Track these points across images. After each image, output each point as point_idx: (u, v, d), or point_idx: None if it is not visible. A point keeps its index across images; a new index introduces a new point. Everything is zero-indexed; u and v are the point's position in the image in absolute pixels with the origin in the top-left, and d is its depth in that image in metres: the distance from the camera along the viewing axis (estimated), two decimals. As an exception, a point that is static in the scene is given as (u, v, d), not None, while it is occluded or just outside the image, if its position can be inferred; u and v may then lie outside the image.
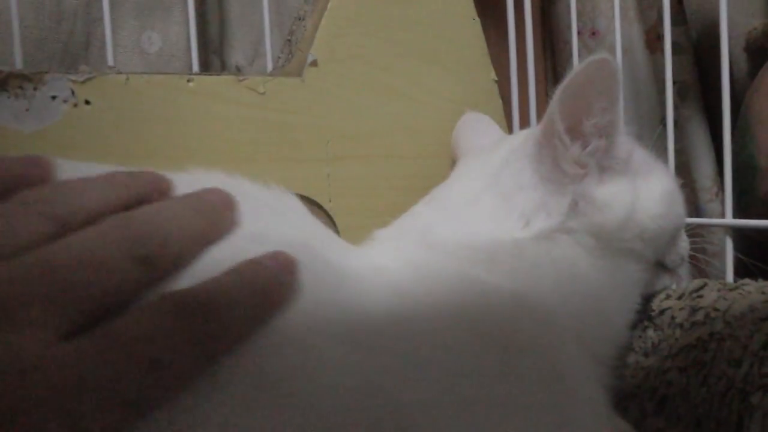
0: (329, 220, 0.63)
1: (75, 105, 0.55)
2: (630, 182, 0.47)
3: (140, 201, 0.30)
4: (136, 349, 0.23)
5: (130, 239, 0.26)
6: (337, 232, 0.63)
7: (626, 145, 0.48)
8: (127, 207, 0.29)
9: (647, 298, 0.52)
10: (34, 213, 0.25)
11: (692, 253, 0.54)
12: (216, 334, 0.26)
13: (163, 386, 0.24)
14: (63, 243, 0.24)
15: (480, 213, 0.47)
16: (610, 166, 0.47)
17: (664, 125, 0.70)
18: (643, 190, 0.48)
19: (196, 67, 0.69)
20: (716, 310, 0.48)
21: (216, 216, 0.31)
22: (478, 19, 0.73)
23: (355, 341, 0.32)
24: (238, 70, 0.88)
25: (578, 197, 0.46)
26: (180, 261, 0.28)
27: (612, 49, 0.75)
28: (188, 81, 0.58)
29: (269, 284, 0.29)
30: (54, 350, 0.21)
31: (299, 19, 0.65)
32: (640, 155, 0.50)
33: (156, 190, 0.31)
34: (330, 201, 0.63)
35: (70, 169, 0.37)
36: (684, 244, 0.53)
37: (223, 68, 0.89)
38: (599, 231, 0.46)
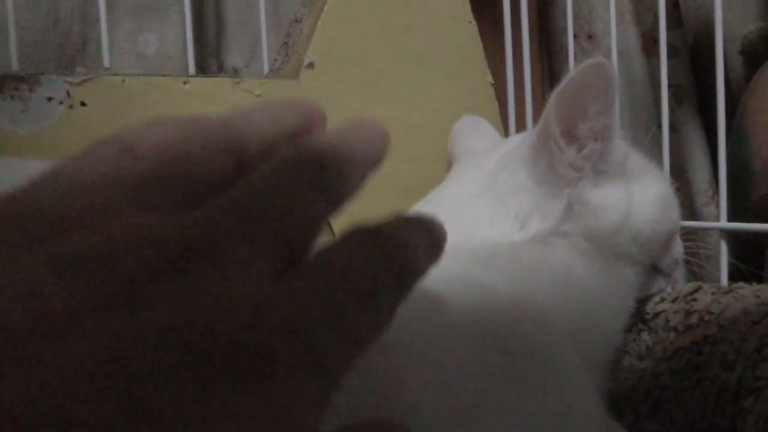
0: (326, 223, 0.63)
1: (71, 106, 0.55)
2: (625, 186, 0.48)
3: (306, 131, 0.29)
4: (349, 283, 0.22)
5: (312, 173, 0.24)
6: (333, 235, 0.63)
7: (621, 148, 0.49)
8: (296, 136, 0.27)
9: (642, 301, 0.52)
10: (215, 150, 0.24)
11: (687, 257, 0.54)
12: (408, 267, 0.25)
13: (378, 319, 0.23)
14: (250, 182, 0.23)
15: (476, 216, 0.47)
16: (606, 169, 0.48)
17: (660, 128, 0.70)
18: (638, 194, 0.48)
19: (192, 69, 0.69)
20: (710, 313, 0.48)
21: (379, 145, 0.29)
22: (474, 22, 0.73)
23: None
24: (235, 72, 0.88)
25: (573, 200, 0.46)
26: (355, 189, 0.27)
27: (608, 53, 0.75)
28: (184, 83, 0.58)
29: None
30: (270, 287, 0.21)
31: (296, 22, 0.65)
32: (635, 159, 0.50)
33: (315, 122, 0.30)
34: (326, 203, 0.63)
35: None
36: (678, 247, 0.53)
37: (220, 70, 0.89)
38: (594, 234, 0.46)
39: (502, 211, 0.47)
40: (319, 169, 0.24)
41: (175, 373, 0.17)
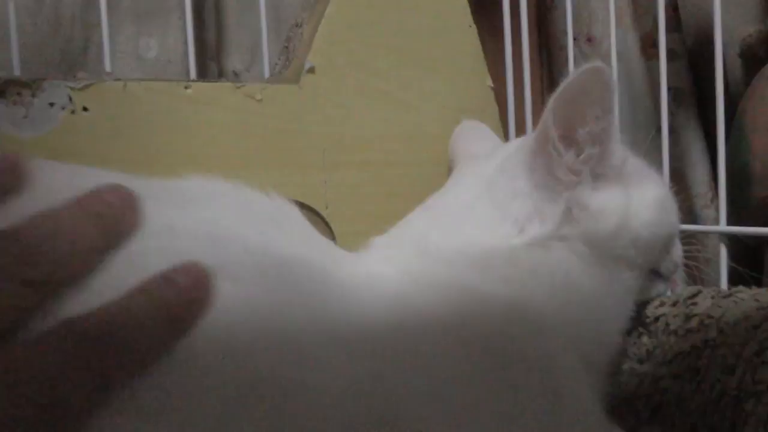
0: (326, 226, 0.63)
1: (73, 111, 0.55)
2: (623, 190, 0.48)
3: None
4: (33, 386, 0.23)
5: (17, 262, 0.25)
6: (333, 238, 0.64)
7: (620, 153, 0.49)
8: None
9: (642, 305, 0.52)
10: None
11: (686, 261, 0.54)
12: (118, 363, 0.25)
13: (63, 420, 0.23)
14: None
15: (475, 220, 0.47)
16: (604, 173, 0.48)
17: (659, 131, 0.70)
18: (636, 198, 0.48)
19: (193, 74, 0.69)
20: (710, 317, 0.48)
21: (113, 220, 0.29)
22: (474, 26, 0.73)
23: (351, 350, 0.33)
24: (236, 76, 0.89)
25: (572, 204, 0.46)
26: (75, 277, 0.27)
27: (607, 55, 0.75)
28: (186, 88, 0.58)
29: (178, 303, 0.28)
30: None
31: (296, 26, 0.65)
32: (634, 163, 0.50)
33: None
34: (327, 208, 0.63)
35: (67, 171, 0.37)
36: (678, 251, 0.53)
37: (220, 74, 0.89)
38: (593, 238, 0.46)
39: (501, 216, 0.47)
40: (24, 259, 0.25)
41: None
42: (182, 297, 0.28)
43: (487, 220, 0.47)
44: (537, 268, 0.45)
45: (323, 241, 0.43)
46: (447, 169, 0.66)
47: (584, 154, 0.47)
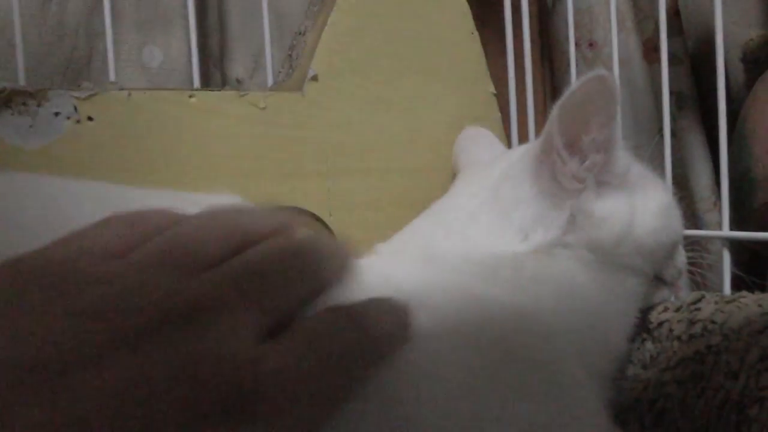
0: (330, 233, 0.63)
1: (78, 121, 0.55)
2: (627, 197, 0.48)
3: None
4: (326, 352, 0.25)
5: (294, 260, 0.28)
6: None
7: (624, 160, 0.49)
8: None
9: (645, 311, 0.52)
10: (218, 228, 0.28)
11: (689, 267, 0.55)
12: (375, 344, 0.28)
13: (345, 382, 0.26)
14: (247, 255, 0.26)
15: (479, 227, 0.48)
16: (608, 181, 0.48)
17: (662, 135, 0.71)
18: (640, 205, 0.48)
19: (197, 83, 0.69)
20: (713, 322, 0.48)
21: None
22: (476, 33, 0.74)
23: None
24: (239, 83, 0.89)
25: (576, 211, 0.47)
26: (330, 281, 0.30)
27: (609, 60, 0.75)
28: (190, 96, 0.59)
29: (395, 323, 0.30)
30: (259, 349, 0.24)
31: (300, 34, 0.66)
32: (637, 170, 0.51)
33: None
34: (330, 215, 0.63)
35: (68, 187, 0.38)
36: (682, 257, 0.53)
37: (224, 81, 0.89)
38: (597, 245, 0.47)
39: (505, 223, 0.47)
40: (301, 259, 0.28)
41: (176, 411, 0.21)
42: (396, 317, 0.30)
43: (491, 227, 0.47)
44: (541, 274, 0.45)
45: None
46: (450, 175, 0.66)
47: (588, 162, 0.47)
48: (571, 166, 0.47)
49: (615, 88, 0.45)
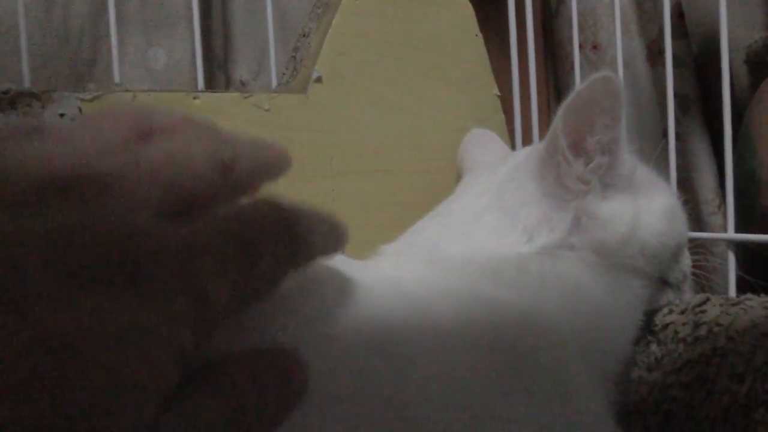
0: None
1: (82, 123, 0.55)
2: (632, 199, 0.48)
3: None
4: (241, 239, 0.25)
5: (211, 148, 0.27)
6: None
7: (629, 162, 0.49)
8: None
9: (650, 313, 0.52)
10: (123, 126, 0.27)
11: (694, 269, 0.54)
12: (299, 248, 0.28)
13: (260, 279, 0.26)
14: (154, 146, 0.26)
15: (484, 228, 0.48)
16: (613, 182, 0.48)
17: (666, 138, 0.70)
18: (645, 207, 0.48)
19: (201, 84, 0.70)
20: (719, 325, 0.48)
21: (277, 157, 0.33)
22: (480, 35, 0.74)
23: (376, 349, 0.33)
24: (243, 85, 0.89)
25: (581, 213, 0.46)
26: (249, 184, 0.30)
27: (613, 63, 0.75)
28: (194, 98, 0.59)
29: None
30: (162, 227, 0.23)
31: (304, 36, 0.66)
32: (642, 172, 0.51)
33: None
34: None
35: None
36: (687, 260, 0.53)
37: (228, 83, 0.89)
38: (602, 247, 0.46)
39: (510, 224, 0.47)
40: (217, 148, 0.27)
41: (54, 268, 0.21)
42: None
43: (496, 228, 0.47)
44: (546, 276, 0.45)
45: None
46: (455, 177, 0.66)
47: (593, 163, 0.47)
48: (576, 168, 0.46)
49: (620, 89, 0.45)
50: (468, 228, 0.48)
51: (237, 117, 0.60)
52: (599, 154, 0.47)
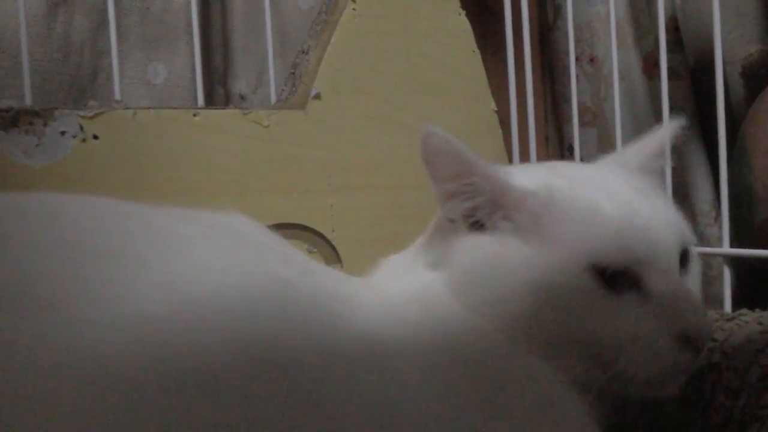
0: (332, 250, 0.64)
1: (84, 140, 0.56)
2: (497, 240, 0.46)
3: None
4: None
5: None
6: (339, 261, 0.64)
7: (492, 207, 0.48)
8: None
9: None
10: None
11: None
12: None
13: None
14: None
15: (420, 260, 0.50)
16: (484, 221, 0.47)
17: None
18: (509, 250, 0.46)
19: (201, 99, 0.70)
20: (714, 340, 0.49)
21: None
22: (478, 52, 0.74)
23: (361, 365, 0.36)
24: (242, 99, 0.90)
25: (447, 248, 0.47)
26: None
27: (609, 75, 0.76)
28: (194, 115, 0.59)
29: None
30: None
31: (303, 53, 0.66)
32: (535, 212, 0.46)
33: None
34: (333, 231, 0.64)
35: (77, 202, 0.39)
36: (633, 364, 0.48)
37: (227, 97, 0.90)
38: (457, 281, 0.47)
39: (429, 255, 0.49)
40: None
41: None
42: None
43: (424, 259, 0.49)
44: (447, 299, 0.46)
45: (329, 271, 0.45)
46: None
47: (450, 203, 0.47)
48: (445, 210, 0.47)
49: (445, 141, 0.44)
50: (414, 261, 0.50)
51: (236, 133, 0.60)
52: (460, 197, 0.46)
